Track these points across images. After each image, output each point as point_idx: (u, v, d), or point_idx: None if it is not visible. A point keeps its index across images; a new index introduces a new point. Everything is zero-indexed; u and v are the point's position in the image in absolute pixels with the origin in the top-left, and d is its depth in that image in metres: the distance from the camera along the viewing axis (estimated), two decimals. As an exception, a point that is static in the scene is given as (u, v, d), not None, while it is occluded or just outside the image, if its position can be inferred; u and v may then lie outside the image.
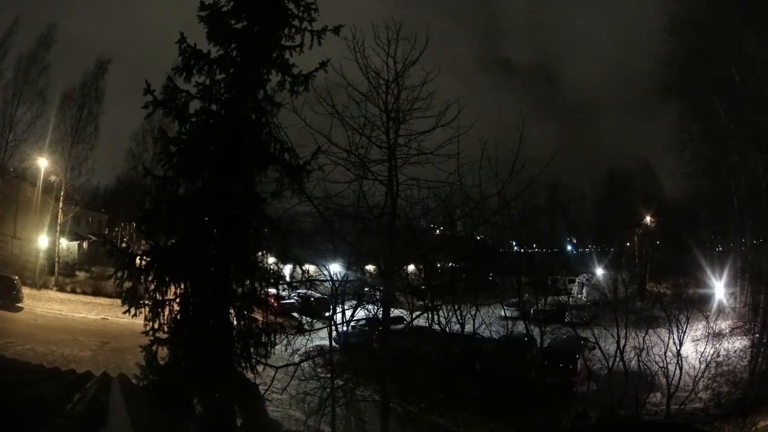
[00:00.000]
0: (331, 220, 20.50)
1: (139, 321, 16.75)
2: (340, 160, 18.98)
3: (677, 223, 44.27)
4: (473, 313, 31.23)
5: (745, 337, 31.18)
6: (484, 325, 31.85)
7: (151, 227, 17.33)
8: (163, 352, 17.04)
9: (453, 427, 24.12)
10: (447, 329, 29.54)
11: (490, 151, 17.74)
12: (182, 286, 17.45)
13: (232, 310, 18.29)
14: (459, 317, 30.20)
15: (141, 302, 16.62)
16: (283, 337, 19.85)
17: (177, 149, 17.26)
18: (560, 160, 22.10)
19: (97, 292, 39.19)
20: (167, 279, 17.00)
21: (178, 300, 17.35)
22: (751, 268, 33.38)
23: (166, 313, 17.09)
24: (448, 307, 30.24)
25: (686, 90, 37.73)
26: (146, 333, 16.92)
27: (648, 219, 47.09)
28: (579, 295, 44.06)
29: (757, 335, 28.01)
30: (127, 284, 16.50)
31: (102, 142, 45.68)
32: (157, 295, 16.89)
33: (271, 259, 20.32)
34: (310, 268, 24.48)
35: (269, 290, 21.19)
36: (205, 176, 17.96)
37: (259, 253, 20.07)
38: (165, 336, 16.98)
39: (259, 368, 18.55)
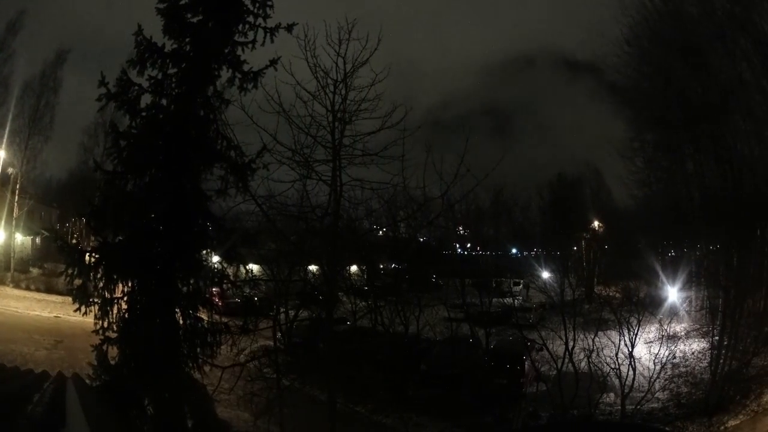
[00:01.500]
0: (274, 220, 21.75)
1: (91, 319, 17.57)
2: (285, 159, 20.21)
3: (627, 229, 47.12)
4: (417, 314, 32.87)
5: (703, 340, 34.76)
6: (428, 327, 33.57)
7: (100, 223, 18.16)
8: (113, 351, 17.82)
9: (402, 428, 25.53)
10: (391, 330, 31.03)
11: (435, 153, 18.96)
12: (129, 284, 18.15)
13: (178, 310, 19.03)
14: (402, 318, 31.57)
15: (91, 300, 17.35)
16: (228, 337, 20.68)
17: (127, 144, 18.16)
18: (507, 163, 23.68)
19: (50, 290, 39.82)
20: (115, 277, 17.82)
21: (125, 298, 18.11)
22: (707, 273, 36.58)
23: (115, 311, 17.83)
24: (392, 308, 31.74)
25: (642, 99, 40.52)
26: (96, 332, 17.67)
27: (596, 224, 49.85)
28: (524, 298, 46.22)
29: (717, 338, 30.48)
30: (78, 281, 17.20)
31: (57, 134, 45.64)
32: (106, 293, 17.64)
33: (215, 258, 21.00)
34: (254, 267, 25.36)
35: (213, 289, 21.88)
36: (153, 172, 18.83)
37: (204, 252, 20.65)
38: (114, 335, 17.76)
39: (206, 369, 19.40)
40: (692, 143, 37.78)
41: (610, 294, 38.62)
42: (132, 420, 17.06)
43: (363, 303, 31.48)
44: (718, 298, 33.17)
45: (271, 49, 19.79)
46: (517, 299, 44.62)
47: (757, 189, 32.67)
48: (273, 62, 19.28)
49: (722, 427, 24.95)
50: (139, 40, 18.44)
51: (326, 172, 20.64)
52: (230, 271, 22.31)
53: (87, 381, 17.91)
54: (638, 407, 26.09)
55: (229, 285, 23.16)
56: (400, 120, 19.26)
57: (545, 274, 40.78)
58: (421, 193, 21.00)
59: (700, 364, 32.23)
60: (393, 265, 38.25)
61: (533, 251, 53.27)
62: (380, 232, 31.72)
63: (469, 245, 45.27)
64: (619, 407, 26.46)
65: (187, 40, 18.92)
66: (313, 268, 27.01)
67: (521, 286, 48.52)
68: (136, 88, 18.44)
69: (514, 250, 55.86)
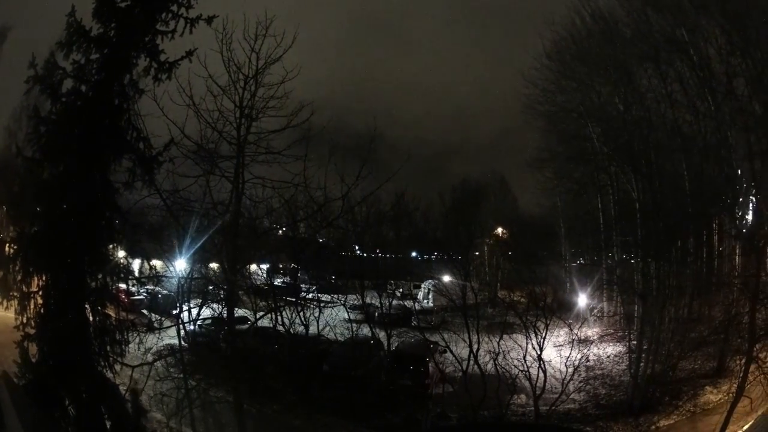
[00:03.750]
0: (177, 215, 22.32)
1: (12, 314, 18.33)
2: (191, 153, 21.08)
3: (533, 236, 49.99)
4: (317, 314, 34.30)
5: (618, 344, 38.33)
6: (328, 327, 35.25)
7: (18, 212, 18.52)
8: (35, 348, 18.54)
9: (311, 429, 27.25)
10: (291, 331, 32.29)
11: (338, 155, 20.42)
12: (44, 278, 18.60)
13: (87, 306, 19.83)
14: (303, 319, 32.76)
15: (11, 294, 18.15)
16: (134, 334, 21.73)
17: (46, 130, 18.67)
18: (411, 167, 25.23)
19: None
20: (31, 270, 18.21)
21: (41, 293, 18.89)
22: (620, 281, 39.70)
23: (32, 306, 18.68)
24: (292, 308, 32.93)
25: (558, 112, 45.19)
26: (18, 327, 18.46)
27: (500, 230, 52.52)
28: (425, 300, 48.19)
29: (635, 342, 33.69)
30: (-1, 273, 17.57)
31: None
32: (23, 287, 18.54)
33: (121, 253, 21.61)
34: (157, 263, 25.91)
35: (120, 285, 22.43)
36: (67, 161, 19.64)
37: (110, 246, 21.29)
38: (33, 331, 18.57)
39: (117, 368, 20.25)
40: (608, 156, 41.02)
41: (515, 299, 41.14)
42: (57, 420, 17.49)
43: (263, 303, 32.16)
44: (633, 304, 36.43)
45: (186, 42, 20.84)
46: (418, 302, 46.60)
47: (679, 204, 36.15)
48: (189, 54, 20.72)
49: (653, 427, 27.87)
50: (70, 21, 19.35)
51: (230, 169, 21.81)
52: (135, 266, 22.87)
53: (15, 380, 18.09)
54: (553, 408, 28.25)
55: (135, 281, 23.74)
56: (305, 119, 20.51)
57: (446, 278, 42.84)
58: (322, 194, 22.18)
59: (618, 367, 35.40)
60: (292, 264, 39.26)
61: (434, 255, 55.71)
62: (280, 232, 32.64)
63: (369, 247, 46.69)
64: (532, 408, 28.60)
65: (113, 25, 19.87)
66: (214, 265, 27.64)
67: (422, 289, 50.41)
68: (60, 71, 19.29)
69: (414, 254, 58.02)
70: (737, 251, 34.42)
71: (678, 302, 34.29)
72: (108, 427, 18.99)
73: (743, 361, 23.53)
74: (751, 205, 34.33)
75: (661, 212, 35.56)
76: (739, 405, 22.86)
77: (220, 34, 20.62)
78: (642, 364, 31.27)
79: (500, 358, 29.39)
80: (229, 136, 21.58)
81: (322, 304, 35.18)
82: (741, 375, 22.92)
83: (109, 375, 19.79)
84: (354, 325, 36.60)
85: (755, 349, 23.21)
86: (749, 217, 34.16)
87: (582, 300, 40.68)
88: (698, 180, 36.49)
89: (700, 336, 31.94)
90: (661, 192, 36.97)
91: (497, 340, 30.18)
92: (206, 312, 27.60)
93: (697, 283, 36.90)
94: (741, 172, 36.14)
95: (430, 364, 32.04)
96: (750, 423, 22.75)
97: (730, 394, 24.23)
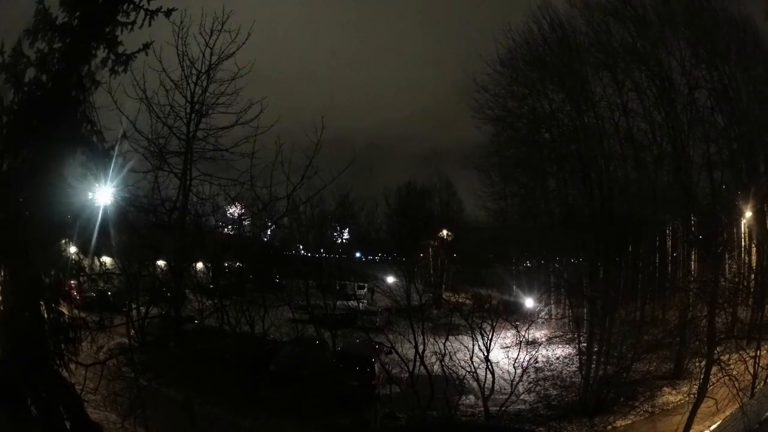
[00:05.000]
0: (126, 211, 22.24)
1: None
2: (141, 148, 21.10)
3: (478, 239, 51.03)
4: (262, 314, 34.75)
5: (568, 346, 39.85)
6: (273, 327, 35.84)
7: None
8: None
9: (261, 430, 27.40)
10: (237, 330, 32.70)
11: (285, 153, 20.81)
12: (2, 273, 18.44)
13: (42, 303, 19.89)
14: (248, 318, 33.09)
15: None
16: (87, 333, 21.72)
17: (7, 120, 18.41)
18: (357, 167, 25.63)
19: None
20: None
21: (0, 289, 18.53)
22: (568, 284, 41.25)
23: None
24: (237, 307, 33.38)
25: (508, 117, 46.61)
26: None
27: (445, 232, 53.40)
28: (369, 301, 48.70)
29: (585, 344, 34.89)
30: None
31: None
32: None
33: (72, 249, 21.44)
34: (107, 260, 25.70)
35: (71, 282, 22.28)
36: (26, 153, 19.52)
37: (63, 242, 21.27)
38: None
39: (72, 367, 20.34)
40: (557, 162, 42.37)
41: (460, 301, 41.90)
42: (21, 421, 17.32)
43: (209, 302, 32.23)
44: (582, 307, 37.99)
45: (142, 35, 20.96)
46: (362, 302, 47.13)
47: (630, 209, 37.59)
48: (146, 46, 21.08)
49: (609, 427, 28.91)
50: (39, 9, 19.52)
51: (178, 165, 21.83)
52: (86, 263, 22.69)
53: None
54: (503, 409, 29.24)
55: (85, 278, 23.49)
56: (254, 117, 20.83)
57: (390, 279, 43.55)
58: (268, 193, 22.50)
59: (568, 369, 36.78)
60: (237, 263, 39.26)
61: (378, 256, 56.48)
62: (226, 230, 32.68)
63: (313, 247, 47.01)
64: (482, 408, 29.54)
65: (77, 14, 20.04)
66: (161, 263, 27.53)
67: (365, 289, 50.94)
68: (25, 60, 19.16)
69: (358, 254, 58.67)
70: (693, 257, 36.01)
71: (629, 305, 36.05)
72: (68, 427, 18.83)
73: (703, 363, 24.68)
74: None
75: (612, 218, 36.85)
76: (704, 405, 24.10)
77: (177, 27, 20.68)
78: (593, 365, 32.48)
79: (447, 359, 30.17)
80: (178, 132, 21.68)
81: (266, 304, 34.97)
82: (702, 377, 24.06)
83: (65, 374, 19.98)
84: (299, 325, 36.85)
85: (716, 351, 24.37)
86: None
87: (529, 302, 42.10)
88: (651, 187, 38.05)
89: (655, 338, 33.43)
90: (612, 198, 38.36)
91: (443, 341, 30.90)
92: (154, 310, 27.24)
93: (650, 287, 38.53)
94: (698, 180, 37.81)
95: (375, 365, 32.58)
96: (717, 423, 24.12)
97: (691, 395, 25.54)
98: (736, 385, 23.00)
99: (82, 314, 21.96)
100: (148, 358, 26.89)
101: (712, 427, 24.10)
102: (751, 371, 25.31)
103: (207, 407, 25.72)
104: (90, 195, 21.46)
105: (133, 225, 23.52)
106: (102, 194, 21.53)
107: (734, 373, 23.73)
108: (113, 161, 20.95)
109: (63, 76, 19.89)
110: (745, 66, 38.54)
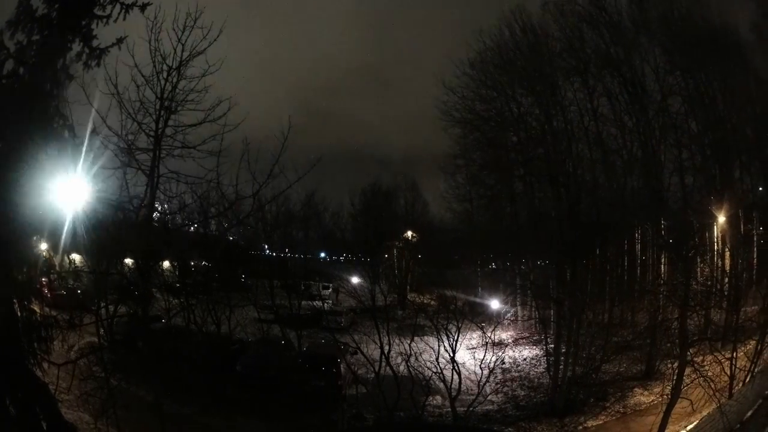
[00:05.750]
0: (96, 208, 22.11)
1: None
2: (111, 144, 20.99)
3: (443, 240, 51.41)
4: (228, 314, 34.94)
5: (535, 347, 40.74)
6: (239, 327, 35.84)
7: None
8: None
9: (230, 430, 27.49)
10: (203, 330, 32.30)
11: (251, 152, 20.94)
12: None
13: (15, 300, 19.68)
14: (214, 318, 32.93)
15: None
16: (58, 331, 21.34)
17: (-16, 113, 18.18)
18: (321, 168, 25.78)
19: None
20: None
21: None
22: (534, 286, 41.49)
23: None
24: (203, 307, 33.14)
25: (475, 120, 47.12)
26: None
27: (410, 233, 53.67)
28: (334, 302, 48.84)
29: (552, 346, 35.72)
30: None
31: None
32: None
33: (43, 246, 21.22)
34: (76, 258, 25.41)
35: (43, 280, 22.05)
36: (1, 146, 18.97)
37: (34, 238, 21.14)
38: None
39: (45, 366, 20.04)
40: (524, 165, 43.03)
41: (425, 302, 42.19)
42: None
43: (176, 301, 32.15)
44: (549, 309, 38.62)
45: (115, 29, 20.96)
46: (327, 303, 47.23)
47: (598, 212, 38.30)
48: (120, 41, 21.15)
49: (580, 427, 29.58)
50: (22, 0, 18.75)
51: (146, 162, 21.79)
52: (56, 260, 22.44)
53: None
54: (470, 409, 29.31)
55: (56, 275, 23.21)
56: (222, 115, 20.91)
57: (355, 279, 43.74)
58: (234, 191, 22.57)
59: (535, 370, 37.69)
60: (203, 262, 39.04)
61: (343, 256, 56.64)
62: (192, 228, 32.53)
63: (278, 247, 46.92)
64: (449, 409, 29.59)
65: (56, 5, 20.04)
66: (129, 261, 27.30)
67: (330, 290, 51.04)
68: (5, 52, 18.87)
69: (323, 254, 58.75)
70: (662, 260, 36.79)
71: (597, 307, 36.73)
72: (45, 428, 18.61)
73: (675, 364, 25.29)
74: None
75: (580, 221, 37.46)
76: (679, 406, 24.69)
77: (151, 22, 20.58)
78: (561, 366, 33.30)
79: (413, 359, 30.27)
80: (147, 128, 21.55)
81: (232, 303, 34.90)
82: (675, 378, 24.61)
83: (39, 374, 19.77)
84: (265, 325, 36.86)
85: (690, 353, 24.99)
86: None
87: (495, 304, 42.54)
88: (621, 191, 38.80)
89: (624, 340, 34.17)
90: (579, 201, 39.02)
91: (408, 342, 30.91)
92: (122, 309, 26.98)
93: (619, 290, 39.25)
94: (669, 185, 38.68)
95: (341, 365, 33.02)
96: (695, 423, 24.64)
97: (665, 396, 26.00)
98: (713, 386, 23.73)
99: (53, 312, 21.75)
100: (117, 358, 26.62)
101: (689, 427, 24.77)
102: (728, 372, 26.04)
103: (176, 407, 25.87)
104: (60, 191, 21.20)
105: (101, 222, 23.21)
106: (72, 191, 21.27)
107: (709, 374, 24.48)
108: (83, 157, 20.69)
109: (39, 69, 19.72)
110: (724, 74, 39.57)
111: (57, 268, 22.92)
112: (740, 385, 26.01)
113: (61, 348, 22.03)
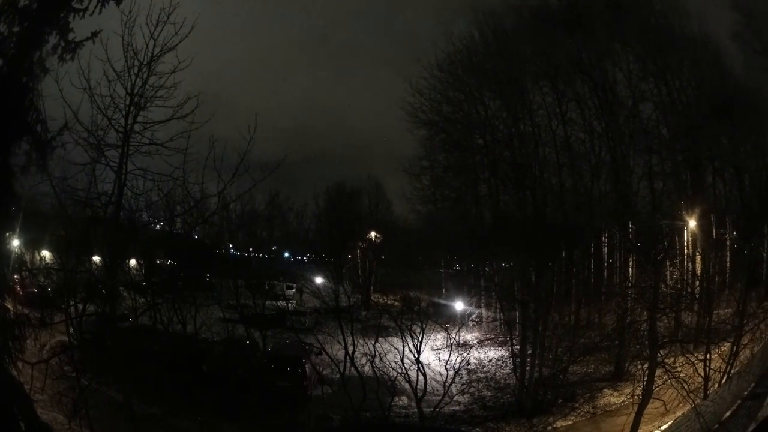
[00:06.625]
0: (65, 204, 21.97)
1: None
2: (81, 140, 20.84)
3: (407, 242, 51.53)
4: (193, 313, 34.73)
5: (500, 348, 40.96)
6: (205, 327, 35.84)
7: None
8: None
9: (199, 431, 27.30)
10: (170, 329, 32.19)
11: (217, 151, 21.03)
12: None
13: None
14: (180, 317, 32.70)
15: None
16: (30, 330, 21.03)
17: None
18: (287, 167, 25.94)
19: None
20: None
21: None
22: (499, 288, 42.32)
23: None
24: (169, 306, 32.92)
25: (441, 122, 47.60)
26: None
27: (373, 234, 53.69)
28: (298, 302, 48.67)
29: (518, 347, 36.05)
30: None
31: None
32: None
33: (15, 242, 20.95)
34: (46, 254, 25.14)
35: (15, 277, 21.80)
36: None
37: (6, 235, 21.05)
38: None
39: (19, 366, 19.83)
40: (490, 168, 43.41)
41: (389, 302, 42.40)
42: None
43: (142, 299, 31.86)
44: (514, 311, 39.08)
45: (88, 23, 20.59)
46: (291, 303, 47.06)
47: (564, 215, 38.83)
48: (95, 34, 21.03)
49: (549, 428, 30.06)
50: None
51: (115, 158, 21.67)
52: (27, 257, 22.20)
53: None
54: (437, 410, 29.81)
55: (27, 273, 22.92)
56: (190, 112, 20.94)
57: (319, 280, 43.77)
58: (199, 190, 22.61)
59: (502, 371, 38.06)
60: (169, 261, 38.68)
61: (307, 256, 56.51)
62: (158, 226, 32.29)
63: (242, 246, 46.74)
64: (415, 410, 30.09)
65: None
66: (97, 259, 27.05)
67: (294, 290, 50.81)
68: (-14, 43, 18.48)
69: (287, 254, 58.46)
70: (630, 263, 37.52)
71: (563, 309, 37.17)
72: (23, 428, 18.30)
73: (646, 365, 25.90)
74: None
75: (545, 223, 38.02)
76: (651, 406, 25.34)
77: (126, 16, 20.50)
78: (528, 368, 33.76)
79: (377, 360, 30.94)
80: (117, 124, 21.43)
81: (197, 302, 34.68)
82: (646, 378, 25.21)
83: (14, 373, 19.43)
84: (230, 324, 36.70)
85: (660, 354, 25.63)
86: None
87: (459, 305, 42.87)
88: (588, 195, 39.46)
89: (592, 342, 34.69)
90: (545, 204, 39.62)
91: (373, 342, 31.69)
92: (91, 307, 26.64)
93: (586, 292, 39.92)
94: (638, 190, 39.51)
95: (306, 366, 33.19)
96: (669, 423, 25.31)
97: (635, 396, 26.81)
98: (686, 387, 24.40)
99: (26, 310, 21.48)
100: (87, 357, 26.21)
101: (663, 427, 25.48)
102: (701, 374, 26.81)
103: (145, 408, 25.62)
104: (32, 186, 21.00)
105: (71, 219, 23.04)
106: (43, 186, 21.09)
107: (682, 375, 25.19)
108: (54, 153, 20.51)
109: (17, 62, 19.42)
110: (699, 81, 40.74)
111: (29, 264, 22.63)
112: (716, 386, 26.93)
113: (34, 347, 21.76)
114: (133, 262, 32.75)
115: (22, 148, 20.07)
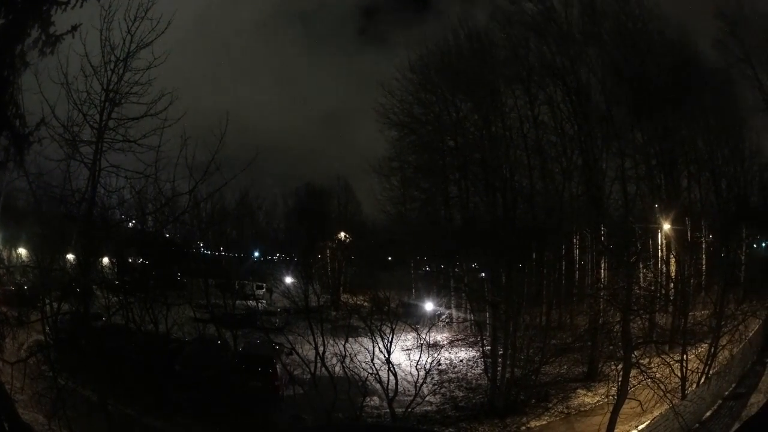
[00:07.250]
0: (41, 201, 21.93)
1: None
2: (56, 135, 20.85)
3: (376, 242, 51.72)
4: (165, 312, 34.40)
5: (471, 349, 41.06)
6: (176, 326, 35.68)
7: None
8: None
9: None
10: (142, 328, 31.82)
11: (189, 149, 21.20)
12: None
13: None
14: (152, 316, 32.49)
15: None
16: (8, 329, 20.91)
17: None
18: (258, 167, 26.12)
19: None
20: None
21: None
22: (469, 289, 42.72)
23: None
24: (141, 305, 32.42)
25: (412, 123, 47.68)
26: None
27: (343, 235, 53.80)
28: (268, 302, 48.61)
29: (489, 348, 36.32)
30: None
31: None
32: None
33: (-9, 240, 20.91)
34: (22, 252, 24.96)
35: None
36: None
37: None
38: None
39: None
40: (460, 170, 43.81)
41: (359, 302, 42.50)
42: None
43: (115, 298, 31.57)
44: (485, 311, 39.51)
45: (68, 17, 21.07)
46: (261, 303, 46.99)
47: (534, 218, 39.35)
48: (74, 28, 20.96)
49: (523, 428, 30.29)
50: None
51: (89, 155, 21.68)
52: (4, 254, 22.09)
53: None
54: (409, 410, 29.74)
55: (4, 270, 22.76)
56: (163, 109, 21.11)
57: (288, 279, 43.78)
58: (171, 188, 22.71)
59: (473, 371, 38.12)
60: (141, 260, 38.42)
61: (276, 256, 56.34)
62: (130, 224, 32.16)
63: (213, 245, 46.46)
64: (387, 410, 30.07)
65: None
66: (71, 257, 26.92)
67: (264, 289, 50.69)
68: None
69: (256, 254, 58.21)
70: (602, 265, 38.15)
71: (534, 310, 37.83)
72: (6, 429, 18.11)
73: (620, 366, 26.43)
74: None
75: (516, 225, 38.53)
76: (627, 407, 25.86)
77: (105, 11, 20.51)
78: (500, 368, 34.13)
79: (348, 360, 30.96)
80: (92, 120, 21.45)
81: (169, 302, 34.55)
82: (620, 379, 25.66)
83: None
84: (201, 324, 36.61)
85: (635, 355, 26.19)
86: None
87: (429, 306, 43.18)
88: (559, 197, 40.05)
89: (564, 342, 35.25)
90: (516, 206, 40.15)
91: (343, 343, 31.94)
92: (65, 306, 26.48)
93: (557, 293, 40.51)
94: (611, 193, 40.22)
95: (277, 366, 33.19)
96: (646, 423, 25.84)
97: (610, 396, 27.33)
98: (662, 387, 24.99)
99: (3, 308, 21.36)
100: (63, 357, 26.00)
101: (641, 427, 26.00)
102: (678, 374, 27.37)
103: (120, 408, 25.45)
104: (9, 182, 20.95)
105: (45, 215, 22.97)
106: (20, 182, 21.04)
107: (658, 376, 25.76)
108: (30, 148, 20.49)
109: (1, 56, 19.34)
110: (677, 86, 40.85)
111: (6, 262, 22.44)
112: (694, 386, 27.46)
113: (12, 345, 21.61)
114: (105, 260, 32.58)
115: (0, 143, 20.05)
